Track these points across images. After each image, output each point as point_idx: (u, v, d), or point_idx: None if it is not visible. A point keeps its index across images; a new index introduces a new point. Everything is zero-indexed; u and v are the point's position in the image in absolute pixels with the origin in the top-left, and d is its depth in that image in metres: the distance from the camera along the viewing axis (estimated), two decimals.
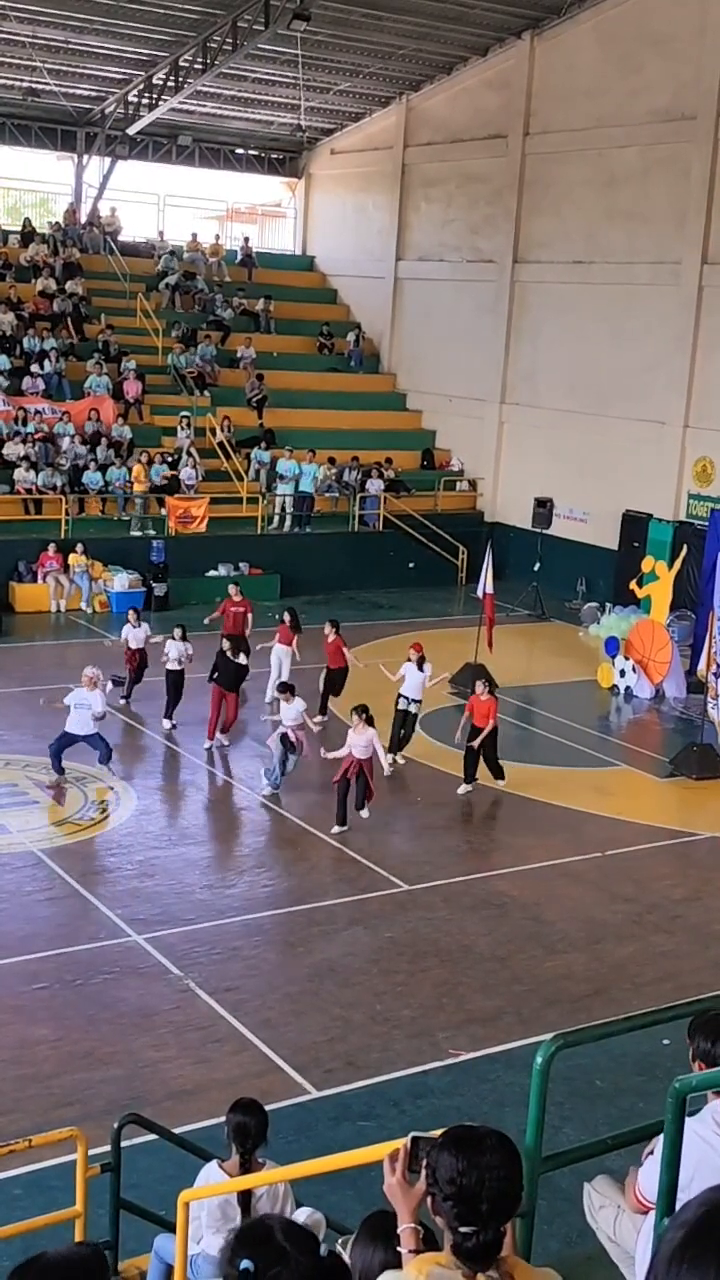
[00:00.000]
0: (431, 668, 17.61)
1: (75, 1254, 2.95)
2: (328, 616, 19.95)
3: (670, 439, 26.83)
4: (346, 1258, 3.61)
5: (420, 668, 17.44)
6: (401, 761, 17.63)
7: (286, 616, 19.51)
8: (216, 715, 17.80)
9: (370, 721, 15.28)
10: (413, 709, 17.63)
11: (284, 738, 16.28)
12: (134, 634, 19.29)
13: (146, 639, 19.35)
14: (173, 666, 18.39)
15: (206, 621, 20.12)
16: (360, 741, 15.24)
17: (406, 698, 17.51)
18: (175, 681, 18.45)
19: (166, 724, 18.58)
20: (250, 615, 19.98)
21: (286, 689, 16.45)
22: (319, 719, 17.98)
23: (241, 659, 17.83)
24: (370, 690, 17.67)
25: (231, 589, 20.48)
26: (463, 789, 16.94)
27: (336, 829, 15.28)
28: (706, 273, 26.15)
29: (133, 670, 19.40)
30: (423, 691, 17.59)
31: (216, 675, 17.79)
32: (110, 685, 17.46)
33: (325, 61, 30.83)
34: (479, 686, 16.85)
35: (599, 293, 28.68)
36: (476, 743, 16.71)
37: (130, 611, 20.11)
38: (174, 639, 18.44)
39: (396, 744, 17.49)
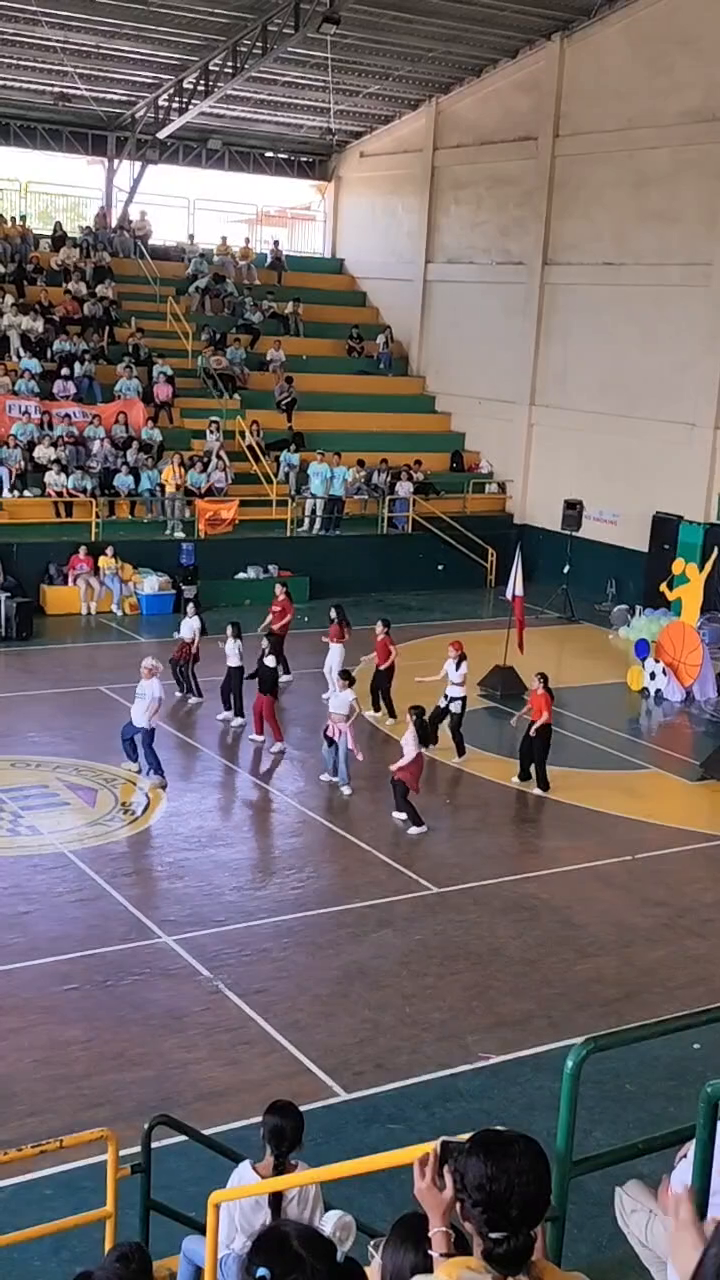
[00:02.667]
0: (468, 666, 18.11)
1: (116, 1273, 2.97)
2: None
3: (701, 441, 26.70)
4: (378, 1260, 3.61)
5: (458, 666, 17.91)
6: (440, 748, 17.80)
7: (334, 614, 20.03)
8: (259, 714, 18.29)
9: (420, 723, 15.71)
10: (454, 706, 18.10)
11: (327, 732, 16.79)
12: (187, 626, 19.77)
13: (196, 632, 19.78)
14: (233, 663, 18.73)
15: (247, 603, 21.14)
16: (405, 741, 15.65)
17: (446, 695, 18.07)
18: (235, 677, 18.86)
19: (230, 717, 19.08)
20: (288, 618, 20.71)
21: (345, 677, 17.00)
22: (374, 714, 19.06)
23: (269, 660, 18.03)
24: (414, 692, 17.85)
25: (278, 589, 21.27)
26: (515, 780, 17.40)
27: (414, 830, 15.52)
28: None
29: (184, 662, 19.81)
30: (462, 688, 18.12)
31: (255, 675, 18.25)
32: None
33: (354, 64, 30.85)
34: (535, 681, 17.15)
35: (629, 294, 28.58)
36: (532, 731, 17.08)
37: (190, 605, 20.92)
38: (229, 637, 18.71)
39: (432, 738, 17.88)
